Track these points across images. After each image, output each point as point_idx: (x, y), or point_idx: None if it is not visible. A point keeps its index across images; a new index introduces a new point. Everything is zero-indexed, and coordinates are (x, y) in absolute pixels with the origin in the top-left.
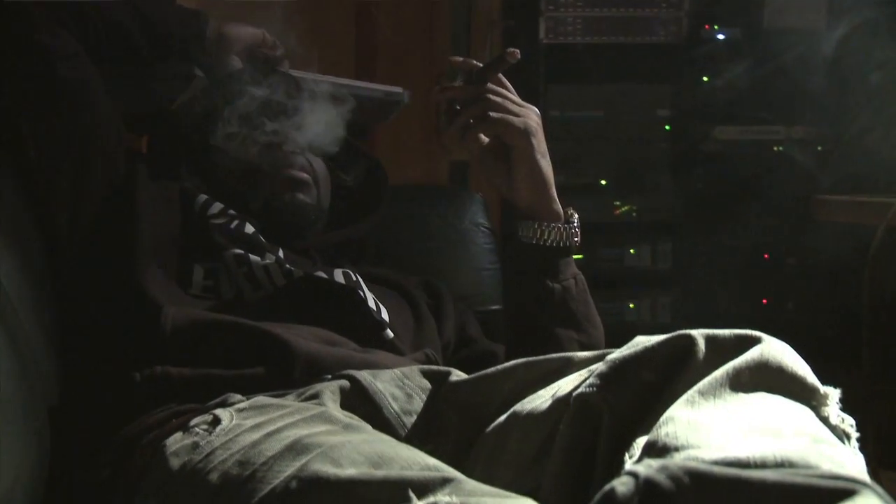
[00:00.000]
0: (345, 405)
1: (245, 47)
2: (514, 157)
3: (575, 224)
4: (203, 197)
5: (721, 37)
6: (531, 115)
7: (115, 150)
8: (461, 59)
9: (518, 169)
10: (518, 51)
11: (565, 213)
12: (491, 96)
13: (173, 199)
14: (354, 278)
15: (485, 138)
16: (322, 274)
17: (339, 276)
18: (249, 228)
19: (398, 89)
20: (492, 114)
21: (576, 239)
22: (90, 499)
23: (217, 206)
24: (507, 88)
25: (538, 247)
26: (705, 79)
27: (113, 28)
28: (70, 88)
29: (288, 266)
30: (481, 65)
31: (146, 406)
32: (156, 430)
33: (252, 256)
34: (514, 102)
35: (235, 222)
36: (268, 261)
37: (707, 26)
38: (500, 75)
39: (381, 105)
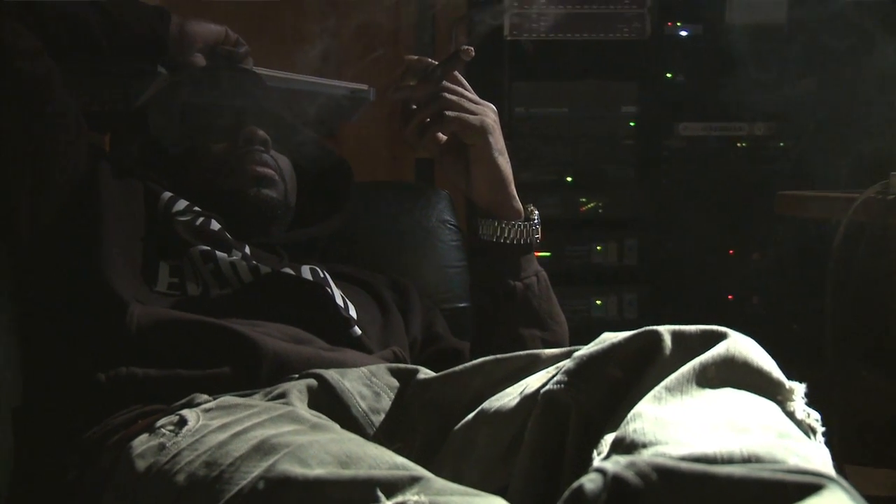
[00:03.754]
0: (312, 404)
1: (208, 44)
2: (471, 155)
3: (535, 221)
4: (167, 194)
5: (684, 33)
6: (488, 113)
7: (76, 147)
8: (416, 57)
9: (476, 167)
10: (472, 49)
11: (526, 210)
12: (446, 95)
13: (137, 197)
14: (322, 275)
15: (443, 136)
16: (289, 270)
17: (306, 272)
18: (215, 225)
19: (363, 87)
20: (447, 112)
21: (537, 236)
22: (55, 501)
23: (182, 204)
24: (463, 86)
25: (498, 245)
26: (669, 75)
27: (74, 24)
28: (30, 85)
29: (255, 262)
30: (437, 63)
31: (111, 407)
32: (121, 432)
33: (218, 253)
34: (470, 100)
35: (201, 219)
36: (234, 257)
37: (670, 23)
38: (457, 73)
39: (347, 102)
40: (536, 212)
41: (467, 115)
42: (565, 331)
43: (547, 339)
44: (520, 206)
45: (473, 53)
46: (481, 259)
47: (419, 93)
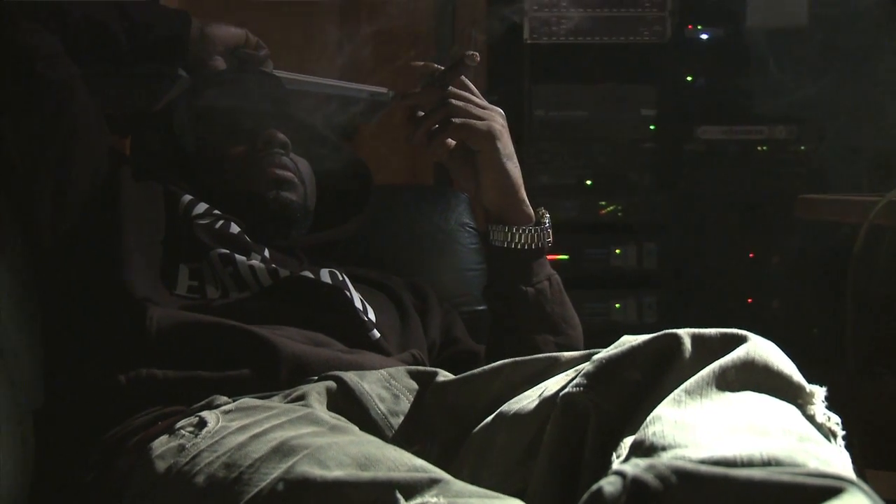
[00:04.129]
0: (331, 406)
1: (228, 47)
2: (479, 161)
3: (546, 225)
4: (187, 197)
5: (704, 37)
6: (495, 118)
7: (97, 150)
8: (422, 63)
9: (484, 173)
10: (477, 54)
11: (537, 213)
12: (453, 101)
13: (157, 200)
14: (341, 278)
15: (451, 142)
16: (308, 274)
17: (325, 275)
18: (234, 228)
19: (383, 89)
20: (454, 119)
21: (548, 240)
22: (75, 502)
23: (202, 207)
24: (470, 91)
25: (509, 250)
26: (689, 78)
27: (95, 28)
28: (51, 89)
29: (274, 266)
30: (442, 68)
31: (131, 408)
32: (141, 433)
33: (238, 256)
34: (477, 105)
35: (220, 222)
36: (253, 261)
37: (690, 26)
38: (464, 78)
39: (367, 105)
40: (547, 215)
41: (474, 122)
42: (579, 334)
43: (561, 343)
44: (530, 210)
45: (479, 59)
46: (493, 264)
47: (424, 99)
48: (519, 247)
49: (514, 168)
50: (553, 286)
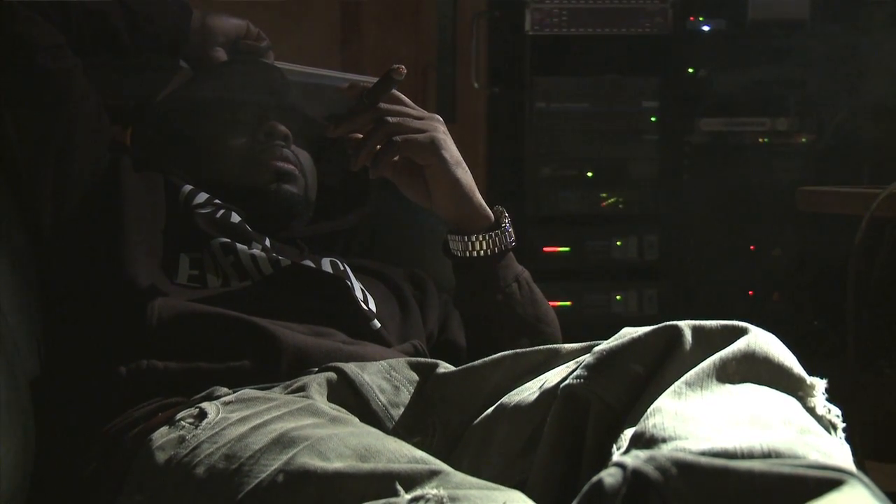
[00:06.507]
0: (332, 398)
1: (229, 39)
2: (428, 174)
3: (506, 226)
4: (188, 187)
5: (706, 28)
6: (436, 127)
7: (98, 141)
8: (346, 85)
9: (435, 186)
10: (403, 67)
11: (495, 213)
12: (389, 119)
13: (158, 190)
14: (342, 268)
15: (394, 158)
16: (309, 263)
17: (326, 265)
18: (235, 218)
19: None
20: (395, 138)
21: (511, 240)
22: (76, 493)
23: (202, 196)
24: (403, 103)
25: (471, 259)
26: (691, 70)
27: (96, 19)
28: (52, 80)
29: (275, 255)
30: (371, 84)
31: (132, 400)
32: (141, 424)
33: (239, 245)
34: (414, 117)
35: (221, 212)
36: (255, 250)
37: (692, 18)
38: (395, 91)
39: None
40: (506, 214)
41: (415, 136)
42: (556, 329)
43: (538, 343)
44: (488, 212)
45: (405, 72)
46: (456, 275)
47: (357, 122)
48: (480, 254)
49: (464, 174)
50: (522, 287)
